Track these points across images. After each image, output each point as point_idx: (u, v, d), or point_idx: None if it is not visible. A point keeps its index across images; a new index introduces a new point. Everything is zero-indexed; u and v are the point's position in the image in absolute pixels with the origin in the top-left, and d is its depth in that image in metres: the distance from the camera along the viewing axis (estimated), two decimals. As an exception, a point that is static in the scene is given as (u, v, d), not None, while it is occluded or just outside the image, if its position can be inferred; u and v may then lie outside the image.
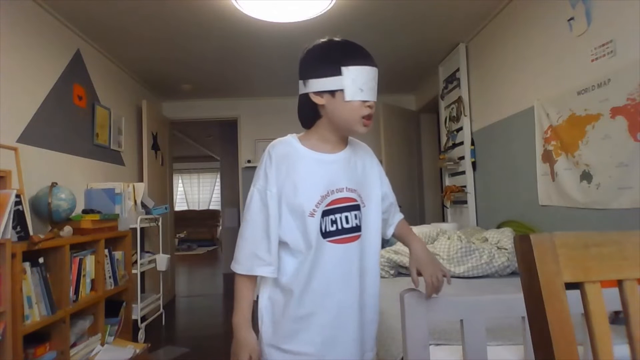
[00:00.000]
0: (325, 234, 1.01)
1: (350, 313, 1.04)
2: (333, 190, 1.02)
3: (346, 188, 1.03)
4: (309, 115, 1.06)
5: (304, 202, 1.00)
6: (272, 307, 1.05)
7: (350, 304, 1.04)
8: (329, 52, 1.03)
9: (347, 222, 1.03)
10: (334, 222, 1.02)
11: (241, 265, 1.02)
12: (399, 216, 1.23)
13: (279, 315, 1.03)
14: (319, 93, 1.01)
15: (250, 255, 1.01)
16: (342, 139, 1.08)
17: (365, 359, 1.10)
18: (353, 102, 0.98)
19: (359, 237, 1.04)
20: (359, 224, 1.05)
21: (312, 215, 1.00)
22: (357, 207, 1.05)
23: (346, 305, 1.03)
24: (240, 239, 1.04)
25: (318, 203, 1.00)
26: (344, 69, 0.97)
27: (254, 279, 1.04)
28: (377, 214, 1.11)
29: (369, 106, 1.00)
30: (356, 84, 0.97)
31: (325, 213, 1.01)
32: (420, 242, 1.15)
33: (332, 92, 1.00)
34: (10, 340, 1.79)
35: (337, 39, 1.05)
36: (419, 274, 1.09)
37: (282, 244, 1.03)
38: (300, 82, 1.05)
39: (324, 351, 1.02)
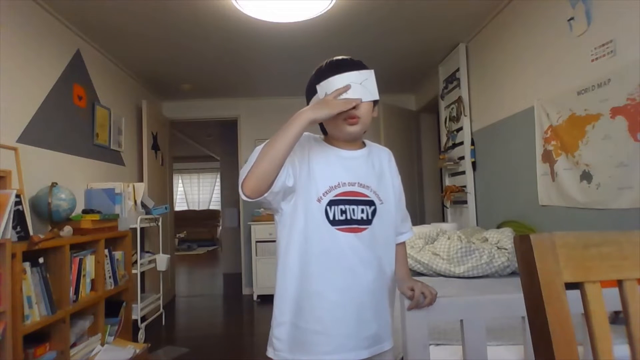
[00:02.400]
0: (334, 222, 1.07)
1: (352, 299, 1.07)
2: (345, 183, 1.09)
3: (358, 183, 1.10)
4: (322, 131, 1.19)
5: (314, 186, 1.06)
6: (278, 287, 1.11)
7: (353, 291, 1.07)
8: (310, 79, 1.14)
9: (354, 214, 1.08)
10: (343, 212, 1.08)
11: (249, 166, 0.99)
12: (408, 234, 1.28)
13: (284, 293, 1.09)
14: None
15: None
16: (352, 142, 1.14)
17: (384, 348, 1.11)
18: None
19: (366, 229, 1.09)
20: (367, 218, 1.09)
21: (318, 200, 1.07)
22: (369, 203, 1.10)
23: (349, 290, 1.07)
24: (249, 163, 1.00)
25: (326, 192, 1.07)
26: (317, 87, 1.08)
27: None
28: (394, 214, 1.18)
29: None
30: (328, 93, 1.04)
31: (333, 202, 1.07)
32: (408, 268, 1.27)
33: None
34: (10, 340, 1.79)
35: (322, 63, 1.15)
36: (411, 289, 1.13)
37: (289, 225, 1.08)
38: None
39: (331, 329, 1.05)
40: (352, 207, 1.08)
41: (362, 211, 1.09)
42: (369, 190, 1.11)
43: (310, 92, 1.14)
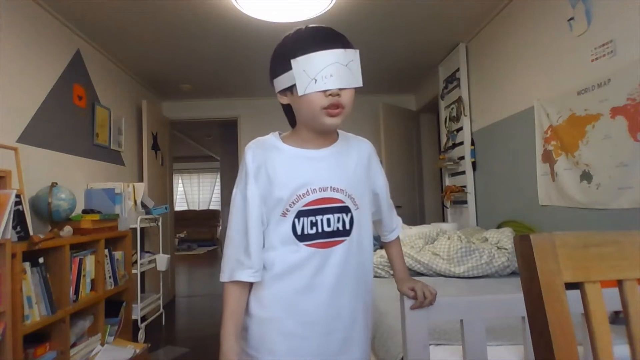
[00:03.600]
0: (303, 237, 0.93)
1: (317, 329, 0.95)
2: (315, 189, 0.93)
3: (331, 187, 0.94)
4: (289, 115, 1.00)
5: (279, 199, 0.93)
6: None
7: (319, 319, 0.95)
8: (281, 47, 0.95)
9: (329, 225, 0.94)
10: (314, 224, 0.93)
11: (224, 272, 0.95)
12: (398, 229, 1.16)
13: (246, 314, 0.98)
14: (282, 92, 0.95)
15: (233, 260, 0.94)
16: (325, 135, 0.98)
17: None
18: (309, 95, 0.88)
19: (341, 242, 0.95)
20: (343, 228, 0.95)
21: (284, 214, 0.93)
22: (343, 209, 0.95)
23: (313, 318, 0.95)
24: (225, 245, 0.97)
25: (293, 202, 0.93)
26: (292, 62, 0.88)
27: (240, 287, 0.94)
28: (370, 218, 1.04)
29: (331, 94, 0.88)
30: (308, 74, 0.87)
31: (302, 213, 0.93)
32: (406, 267, 1.16)
33: (290, 89, 0.92)
34: (10, 340, 1.79)
35: (298, 27, 0.96)
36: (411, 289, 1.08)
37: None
38: None
39: None
40: (325, 216, 0.93)
41: (339, 220, 0.94)
42: (343, 194, 0.95)
43: (281, 65, 0.92)
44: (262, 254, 0.95)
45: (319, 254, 0.94)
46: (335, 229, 0.95)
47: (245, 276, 0.92)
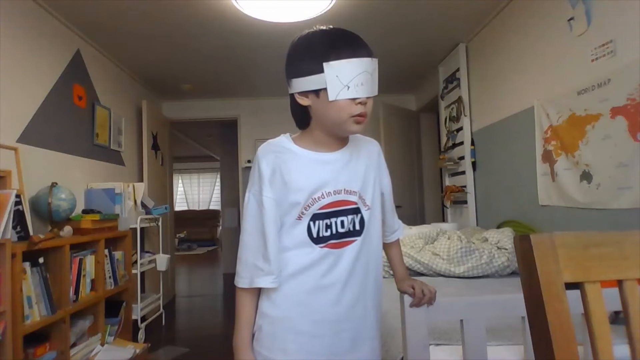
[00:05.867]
0: (318, 239, 0.93)
1: (327, 328, 0.95)
2: (330, 192, 0.94)
3: (344, 190, 0.95)
4: (301, 116, 0.97)
5: (295, 203, 0.93)
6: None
7: (329, 318, 0.95)
8: (309, 47, 0.91)
9: (343, 227, 0.95)
10: (328, 226, 0.94)
11: (242, 278, 0.95)
12: (400, 230, 1.17)
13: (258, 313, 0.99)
14: (304, 93, 0.92)
15: (251, 266, 0.94)
16: (339, 138, 0.98)
17: None
18: (339, 101, 0.87)
19: (353, 241, 0.96)
20: (354, 229, 0.96)
21: (299, 218, 0.93)
22: (355, 210, 0.96)
23: (323, 317, 0.95)
24: (240, 249, 0.97)
25: (308, 205, 0.93)
26: (325, 65, 0.86)
27: (255, 293, 0.96)
28: (379, 217, 1.04)
29: (360, 103, 0.88)
30: (341, 80, 0.86)
31: (318, 216, 0.93)
32: (406, 268, 1.17)
33: (316, 92, 0.90)
34: (10, 340, 1.79)
35: (322, 27, 0.94)
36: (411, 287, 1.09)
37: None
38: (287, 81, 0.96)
39: None
40: (340, 218, 0.94)
41: (351, 221, 0.96)
42: (355, 196, 0.96)
43: (308, 65, 0.88)
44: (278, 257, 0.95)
45: (331, 254, 0.94)
46: (347, 229, 0.95)
47: (266, 283, 0.93)
